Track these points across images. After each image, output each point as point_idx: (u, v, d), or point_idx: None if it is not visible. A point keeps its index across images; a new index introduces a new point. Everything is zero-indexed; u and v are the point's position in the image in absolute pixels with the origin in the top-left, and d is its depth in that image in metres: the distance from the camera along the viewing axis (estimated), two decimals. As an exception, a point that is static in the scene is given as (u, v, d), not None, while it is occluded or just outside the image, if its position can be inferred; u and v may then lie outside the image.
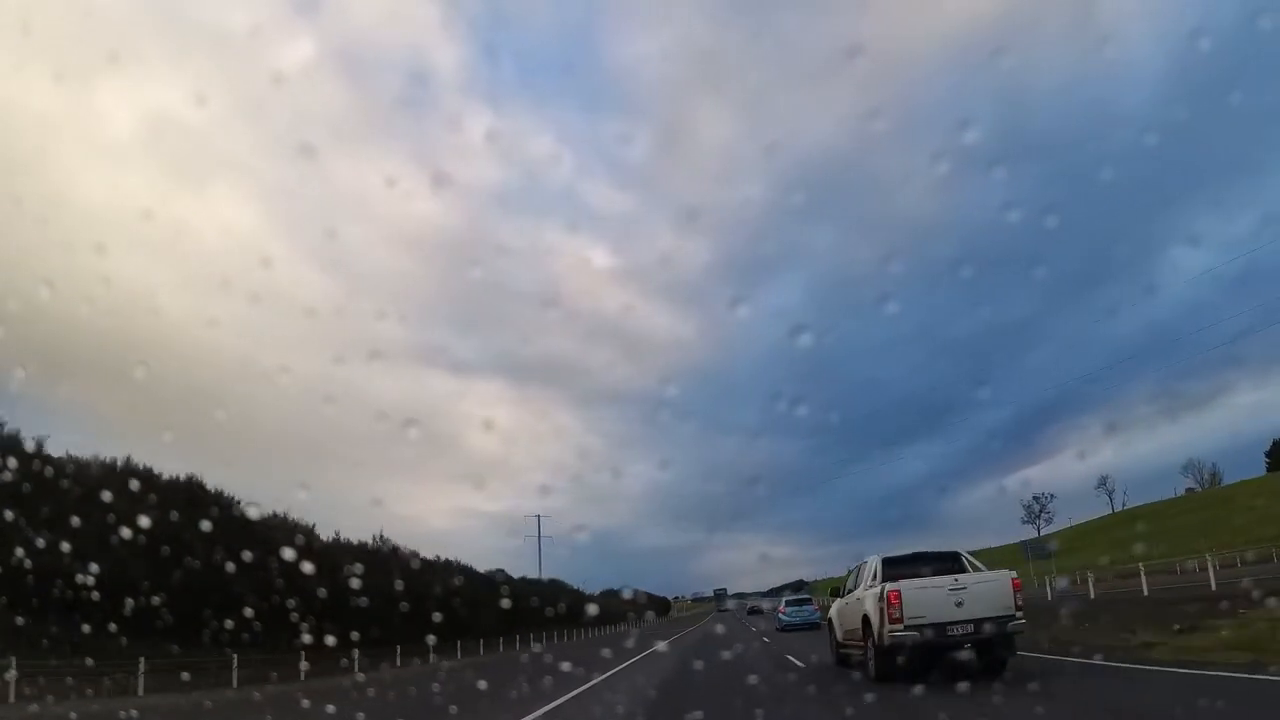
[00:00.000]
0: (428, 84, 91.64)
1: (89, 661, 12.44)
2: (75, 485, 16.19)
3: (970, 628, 9.25)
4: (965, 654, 9.68)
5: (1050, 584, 35.91)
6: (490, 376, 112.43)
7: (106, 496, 15.93)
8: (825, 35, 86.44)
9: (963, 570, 10.33)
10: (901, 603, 9.35)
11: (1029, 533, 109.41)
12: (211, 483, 22.87)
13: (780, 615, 32.93)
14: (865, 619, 10.29)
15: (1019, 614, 9.40)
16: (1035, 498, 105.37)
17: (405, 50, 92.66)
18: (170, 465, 21.81)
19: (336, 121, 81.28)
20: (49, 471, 16.21)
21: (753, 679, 11.72)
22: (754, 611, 59.10)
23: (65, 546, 14.08)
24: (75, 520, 14.63)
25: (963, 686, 8.20)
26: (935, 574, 9.99)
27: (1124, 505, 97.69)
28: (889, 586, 9.57)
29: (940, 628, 9.25)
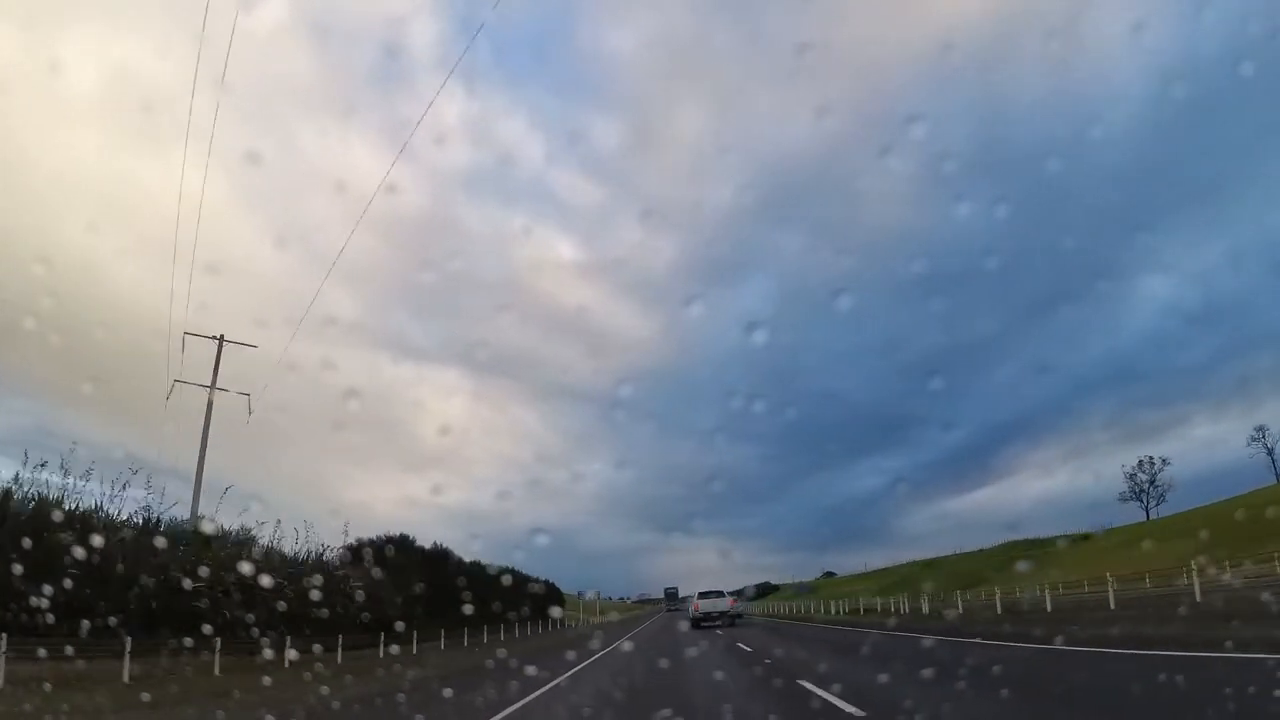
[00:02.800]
0: (399, 58, 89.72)
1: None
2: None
3: (718, 614, 35.14)
4: (720, 621, 35.21)
5: None
6: (446, 365, 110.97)
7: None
8: (807, 33, 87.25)
9: (720, 596, 36.17)
10: (699, 605, 36.00)
11: (1134, 514, 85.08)
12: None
13: None
14: (692, 609, 37.20)
15: (734, 609, 36.94)
16: (1140, 463, 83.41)
17: (379, 22, 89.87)
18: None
19: (303, 92, 79.22)
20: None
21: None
22: None
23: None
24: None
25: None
26: (713, 597, 36.11)
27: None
28: (694, 600, 37.88)
29: (709, 614, 35.09)
